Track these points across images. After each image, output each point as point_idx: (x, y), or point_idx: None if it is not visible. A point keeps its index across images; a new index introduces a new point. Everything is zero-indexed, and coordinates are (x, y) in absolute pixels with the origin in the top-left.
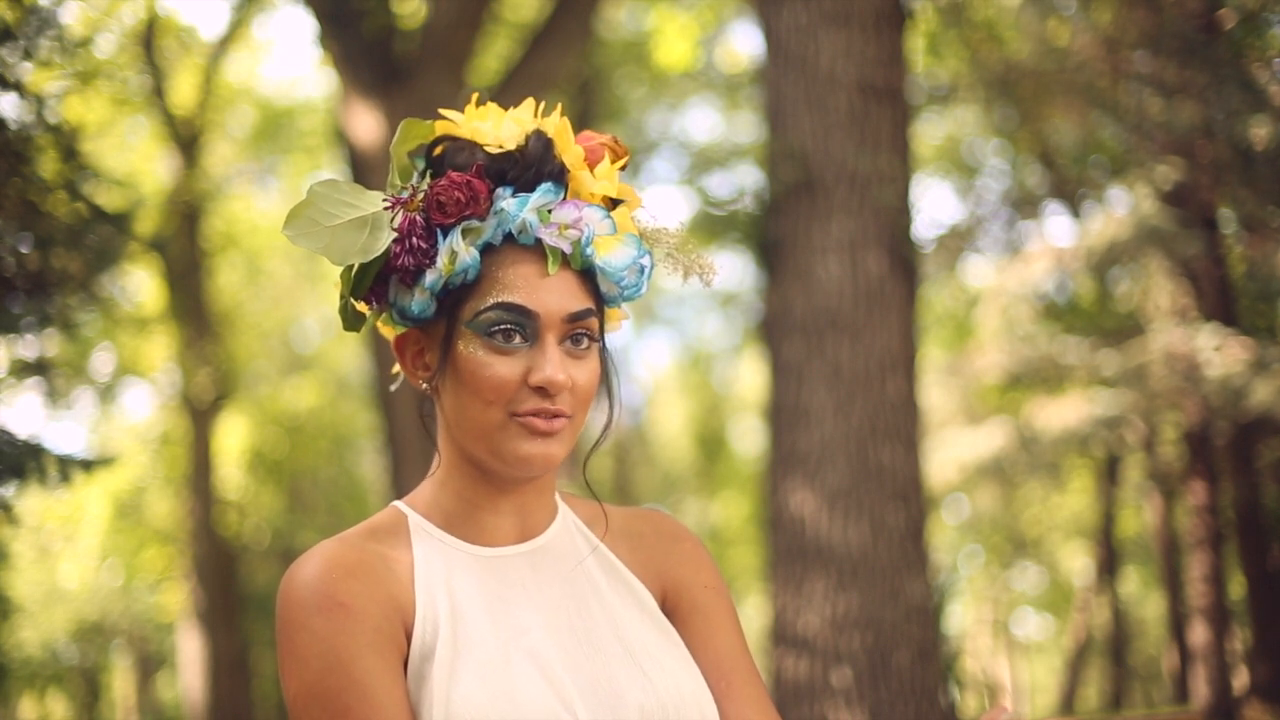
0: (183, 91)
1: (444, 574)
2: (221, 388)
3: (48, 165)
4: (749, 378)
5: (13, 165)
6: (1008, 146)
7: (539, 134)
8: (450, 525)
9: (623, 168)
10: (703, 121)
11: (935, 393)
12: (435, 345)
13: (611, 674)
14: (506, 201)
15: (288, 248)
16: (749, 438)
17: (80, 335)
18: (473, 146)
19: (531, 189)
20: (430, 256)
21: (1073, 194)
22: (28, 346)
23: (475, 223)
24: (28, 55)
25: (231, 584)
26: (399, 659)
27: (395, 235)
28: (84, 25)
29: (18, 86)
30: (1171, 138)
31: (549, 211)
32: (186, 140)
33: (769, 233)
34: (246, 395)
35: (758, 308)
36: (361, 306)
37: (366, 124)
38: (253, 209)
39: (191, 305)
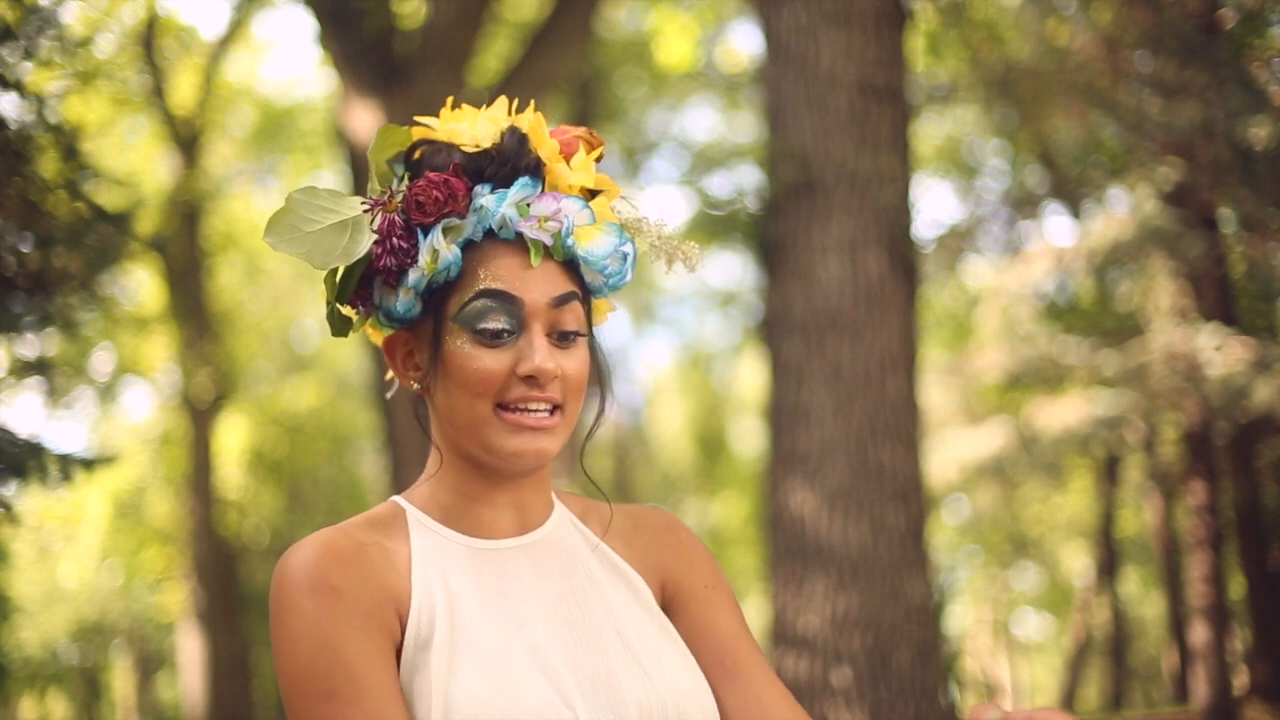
0: (183, 91)
1: (440, 566)
2: (221, 388)
3: (48, 165)
4: (749, 378)
5: (13, 165)
6: (1008, 146)
7: (513, 130)
8: (448, 519)
9: (598, 159)
10: (703, 121)
11: (935, 393)
12: (424, 345)
13: (611, 669)
14: (485, 198)
15: None
16: (749, 438)
17: (80, 335)
18: (450, 148)
19: (509, 184)
20: (411, 256)
21: (1073, 194)
22: (28, 346)
23: (455, 220)
24: (28, 55)
25: (231, 584)
26: (390, 645)
27: (376, 237)
28: (84, 25)
29: (18, 86)
30: (1171, 138)
31: (527, 205)
32: (186, 140)
33: (769, 233)
34: (246, 395)
35: (758, 308)
36: (348, 311)
37: (366, 124)
38: (253, 209)
39: (191, 305)
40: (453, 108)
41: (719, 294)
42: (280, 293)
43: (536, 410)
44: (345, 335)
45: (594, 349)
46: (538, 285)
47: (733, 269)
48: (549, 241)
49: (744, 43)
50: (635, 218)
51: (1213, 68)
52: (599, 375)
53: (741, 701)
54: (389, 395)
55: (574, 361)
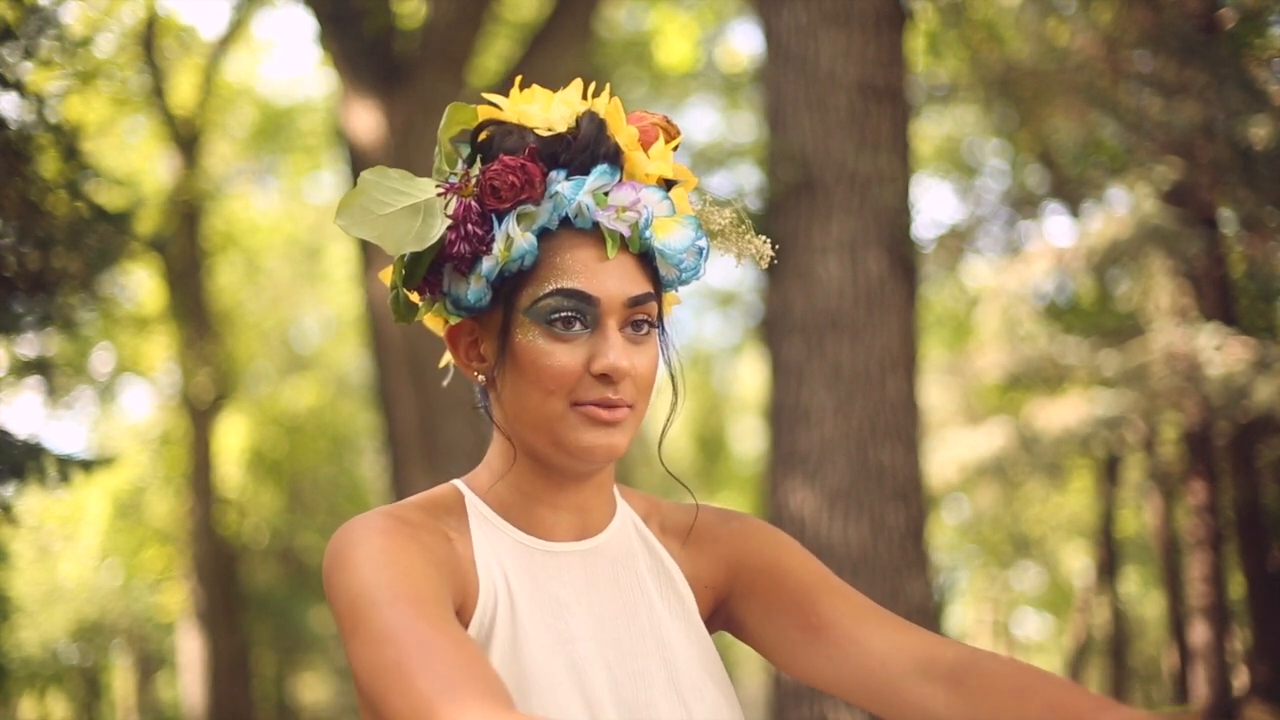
0: (183, 91)
1: (499, 561)
2: (221, 388)
3: (48, 165)
4: (749, 378)
5: (13, 165)
6: (1008, 146)
7: (591, 115)
8: (506, 514)
9: (675, 148)
10: (703, 121)
11: (935, 393)
12: (491, 335)
13: (652, 700)
14: (561, 185)
15: (287, 247)
16: (749, 438)
17: (80, 335)
18: (521, 130)
19: (586, 171)
20: (486, 243)
21: (1073, 194)
22: (28, 346)
23: (530, 207)
24: (28, 55)
25: (231, 584)
26: (452, 600)
27: (450, 222)
28: (84, 25)
29: (18, 86)
30: (1171, 137)
31: (605, 194)
32: (186, 140)
33: (769, 233)
34: (246, 395)
35: (758, 308)
36: (414, 297)
37: (366, 124)
38: (252, 208)
39: (191, 305)
40: (521, 88)
41: (719, 294)
42: (280, 293)
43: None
44: (409, 322)
45: (664, 344)
46: (614, 281)
47: (733, 269)
48: (626, 233)
49: (744, 43)
50: (708, 210)
51: (1213, 68)
52: (669, 369)
53: (839, 653)
54: (446, 383)
55: (645, 357)
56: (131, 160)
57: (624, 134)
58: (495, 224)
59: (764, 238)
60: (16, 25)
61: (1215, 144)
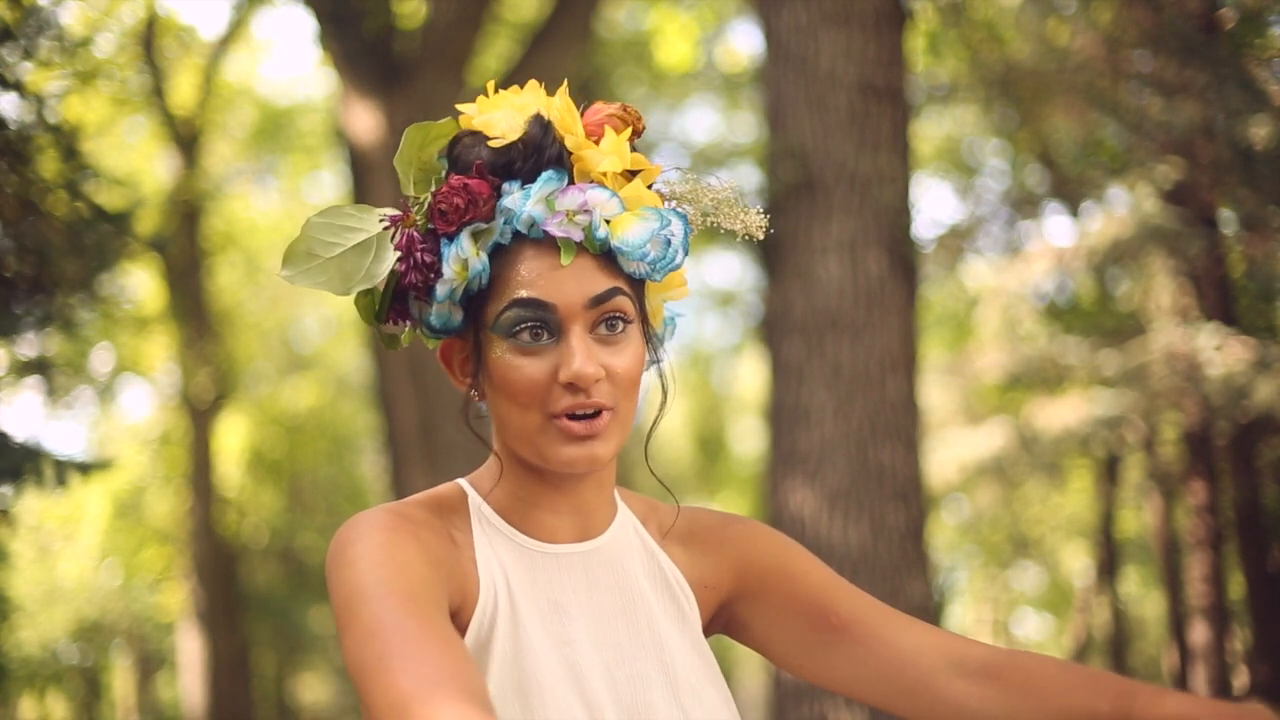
0: (183, 91)
1: (500, 563)
2: (221, 388)
3: (48, 165)
4: (749, 378)
5: (13, 165)
6: (1008, 146)
7: (537, 119)
8: (507, 516)
9: (636, 135)
10: (703, 121)
11: (935, 393)
12: (470, 353)
13: (650, 702)
14: (510, 198)
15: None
16: (749, 438)
17: (80, 335)
18: (481, 141)
19: (534, 179)
20: (436, 269)
21: (1073, 194)
22: (28, 346)
23: (483, 225)
24: (28, 55)
25: (231, 584)
26: (447, 600)
27: (399, 254)
28: (84, 25)
29: (18, 86)
30: (1171, 137)
31: (553, 200)
32: (186, 140)
33: (769, 233)
34: (246, 395)
35: (758, 308)
36: (391, 328)
37: (366, 124)
38: (252, 208)
39: (191, 305)
40: (493, 92)
41: (719, 294)
42: (280, 292)
43: (585, 416)
44: (397, 348)
45: (649, 337)
46: (572, 285)
47: (733, 269)
48: (579, 237)
49: (744, 43)
50: (689, 188)
51: (1213, 68)
52: (656, 363)
53: (864, 651)
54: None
55: (622, 358)
56: (131, 160)
57: (572, 135)
58: (446, 247)
59: (756, 208)
60: (16, 25)
61: (1215, 144)
